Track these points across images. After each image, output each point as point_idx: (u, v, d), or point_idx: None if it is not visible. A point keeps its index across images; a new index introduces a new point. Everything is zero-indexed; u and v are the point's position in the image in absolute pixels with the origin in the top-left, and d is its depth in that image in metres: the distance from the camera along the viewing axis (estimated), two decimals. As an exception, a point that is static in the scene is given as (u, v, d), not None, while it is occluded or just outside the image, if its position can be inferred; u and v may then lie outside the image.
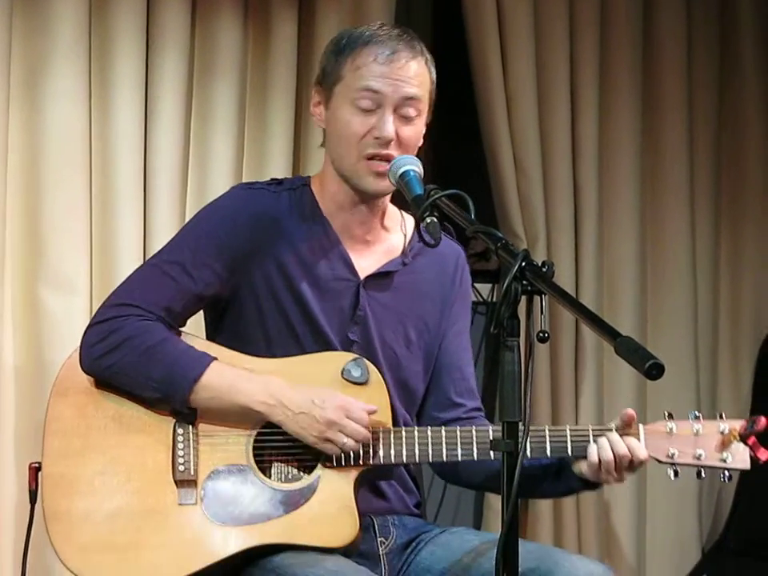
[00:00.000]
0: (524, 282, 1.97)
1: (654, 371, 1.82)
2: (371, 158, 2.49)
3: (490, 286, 4.13)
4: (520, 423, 1.97)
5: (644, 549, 4.17)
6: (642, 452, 2.46)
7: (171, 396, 2.43)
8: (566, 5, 4.00)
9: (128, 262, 3.32)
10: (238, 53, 3.53)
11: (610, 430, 2.48)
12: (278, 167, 3.54)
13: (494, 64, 3.87)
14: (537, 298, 1.97)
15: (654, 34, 4.18)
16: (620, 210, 4.13)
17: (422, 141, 2.57)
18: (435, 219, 2.21)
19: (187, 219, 3.41)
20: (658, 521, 4.20)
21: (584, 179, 4.04)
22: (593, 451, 2.44)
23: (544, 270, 1.98)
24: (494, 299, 4.07)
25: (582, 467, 2.49)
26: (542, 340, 1.95)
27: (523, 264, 1.97)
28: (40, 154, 3.30)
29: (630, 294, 4.13)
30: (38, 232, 3.30)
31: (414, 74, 2.51)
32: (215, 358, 2.46)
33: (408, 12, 4.12)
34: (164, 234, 3.37)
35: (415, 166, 2.40)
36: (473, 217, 2.18)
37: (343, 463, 2.45)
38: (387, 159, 2.47)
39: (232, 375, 2.45)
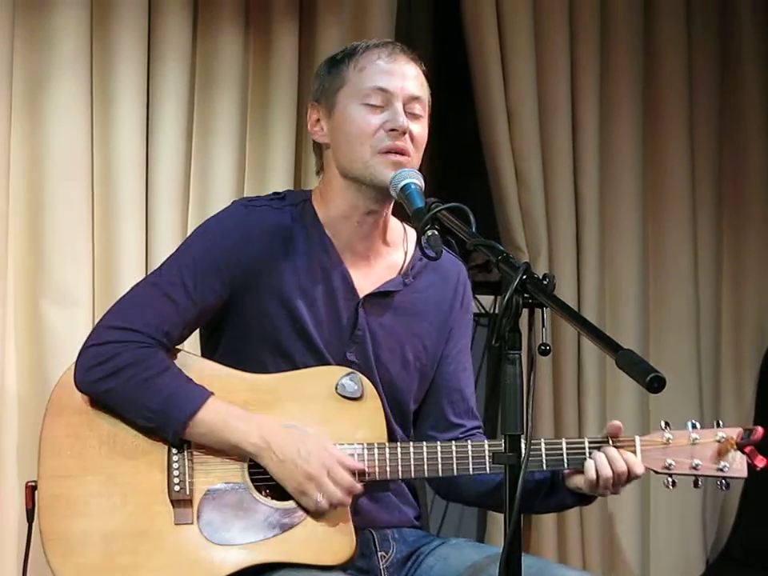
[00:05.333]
0: (525, 295, 1.97)
1: (656, 384, 1.81)
2: (386, 151, 2.45)
3: (491, 297, 4.13)
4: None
5: (648, 560, 4.16)
6: (639, 467, 2.45)
7: (165, 428, 2.41)
8: (566, 16, 4.01)
9: (130, 274, 3.31)
10: (239, 66, 3.54)
11: (606, 442, 2.47)
12: (279, 180, 3.54)
13: (494, 76, 3.88)
14: (538, 311, 1.97)
15: (655, 45, 4.19)
16: (622, 221, 4.13)
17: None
18: (436, 232, 2.21)
19: (189, 232, 3.42)
20: (661, 532, 4.19)
21: (585, 191, 4.04)
22: (590, 467, 2.43)
23: (545, 282, 1.98)
24: (496, 311, 4.06)
25: (577, 482, 2.48)
26: (544, 353, 1.95)
27: (524, 277, 1.97)
28: (42, 168, 3.30)
29: (632, 307, 4.13)
30: (39, 245, 3.30)
31: (414, 75, 2.52)
32: (212, 393, 2.42)
33: (409, 22, 4.13)
34: (166, 246, 3.37)
35: (416, 179, 2.38)
36: (474, 230, 2.17)
37: None
38: (402, 152, 2.45)
39: (227, 413, 2.41)
